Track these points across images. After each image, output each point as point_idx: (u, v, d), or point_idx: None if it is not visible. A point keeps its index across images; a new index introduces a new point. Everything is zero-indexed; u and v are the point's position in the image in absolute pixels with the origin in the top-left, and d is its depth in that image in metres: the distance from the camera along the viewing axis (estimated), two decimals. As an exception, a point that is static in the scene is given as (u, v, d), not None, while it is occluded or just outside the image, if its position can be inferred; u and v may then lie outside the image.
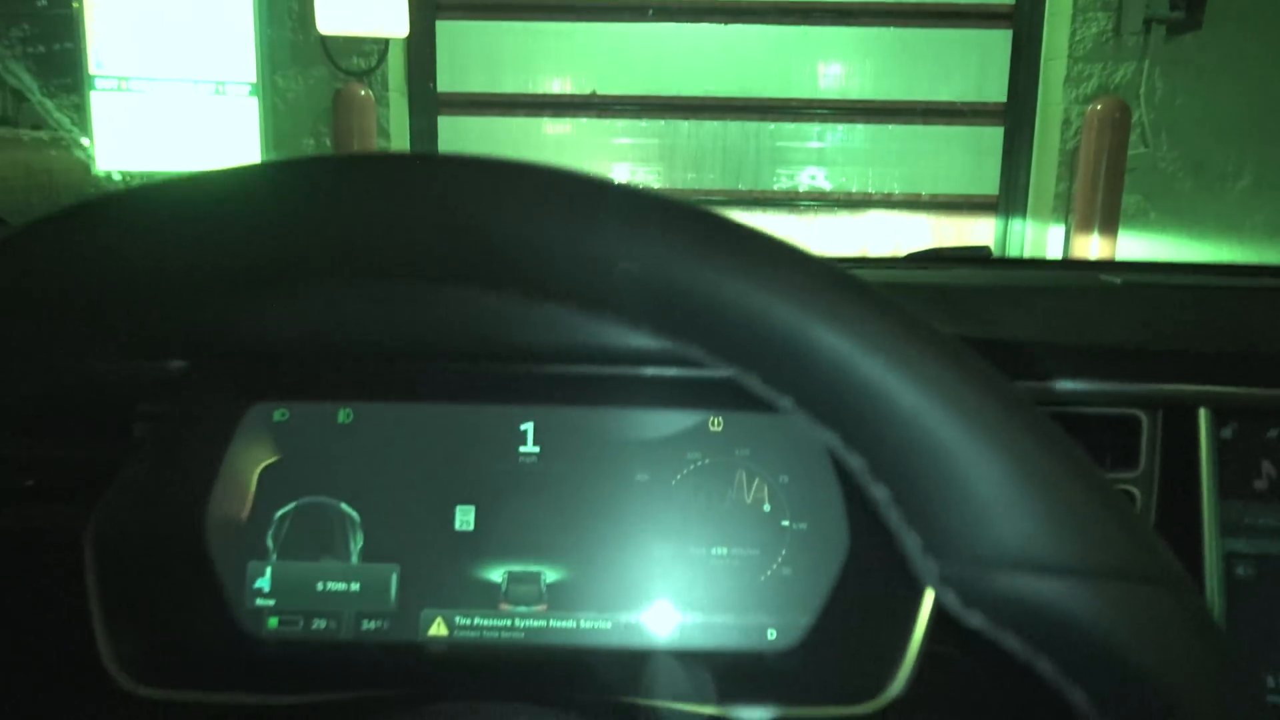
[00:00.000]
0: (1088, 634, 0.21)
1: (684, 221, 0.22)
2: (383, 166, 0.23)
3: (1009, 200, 3.05)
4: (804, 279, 0.22)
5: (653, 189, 0.24)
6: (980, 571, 0.21)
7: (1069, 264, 1.64)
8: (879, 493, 0.23)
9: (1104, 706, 0.22)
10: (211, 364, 0.57)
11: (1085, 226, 2.75)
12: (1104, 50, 2.84)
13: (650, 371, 0.58)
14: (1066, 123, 2.86)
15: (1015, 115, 3.01)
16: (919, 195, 3.06)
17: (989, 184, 3.06)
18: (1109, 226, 2.74)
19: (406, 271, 0.23)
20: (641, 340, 0.54)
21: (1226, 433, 0.58)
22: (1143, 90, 2.84)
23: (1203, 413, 0.57)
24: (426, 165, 0.23)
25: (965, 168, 3.06)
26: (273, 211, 0.23)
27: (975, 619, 0.22)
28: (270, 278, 0.23)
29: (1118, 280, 0.71)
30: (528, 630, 0.58)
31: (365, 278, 0.24)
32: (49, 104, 2.40)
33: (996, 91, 3.02)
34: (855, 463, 0.23)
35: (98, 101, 2.35)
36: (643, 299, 0.23)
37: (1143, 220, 2.90)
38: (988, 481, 0.21)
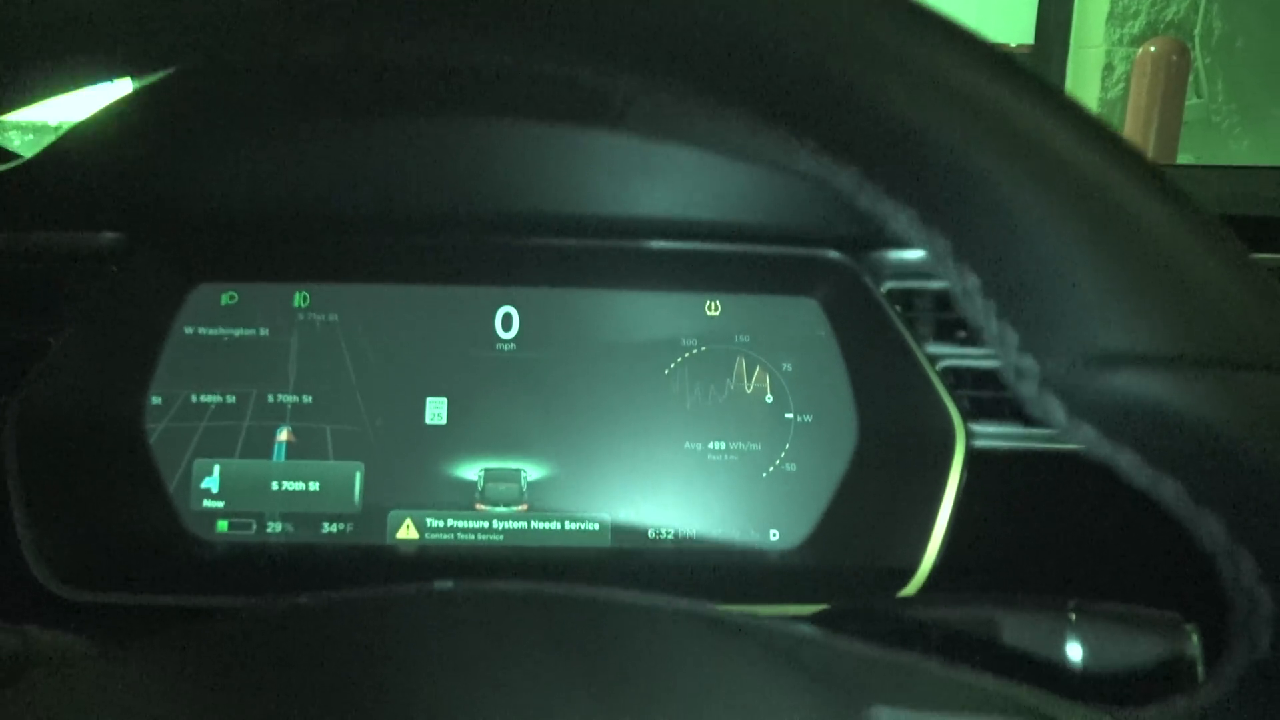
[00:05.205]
0: (1230, 444, 0.21)
1: None
2: None
3: (1037, 161, 3.19)
4: (870, 19, 0.22)
5: None
6: (1093, 370, 0.21)
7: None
8: (967, 282, 0.23)
9: (1247, 537, 0.22)
10: (150, 237, 0.65)
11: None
12: (1153, -19, 2.97)
13: (641, 246, 0.67)
14: (1108, 68, 3.02)
15: (1043, 61, 3.17)
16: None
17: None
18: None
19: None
20: (632, 206, 0.64)
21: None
22: (1198, 30, 2.98)
23: None
24: None
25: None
26: None
27: (1083, 432, 0.22)
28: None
29: None
30: (507, 532, 0.67)
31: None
32: None
33: (1021, 33, 3.17)
34: (938, 245, 0.23)
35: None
36: (687, 44, 0.23)
37: (1192, 185, 3.04)
38: (1103, 257, 0.21)
